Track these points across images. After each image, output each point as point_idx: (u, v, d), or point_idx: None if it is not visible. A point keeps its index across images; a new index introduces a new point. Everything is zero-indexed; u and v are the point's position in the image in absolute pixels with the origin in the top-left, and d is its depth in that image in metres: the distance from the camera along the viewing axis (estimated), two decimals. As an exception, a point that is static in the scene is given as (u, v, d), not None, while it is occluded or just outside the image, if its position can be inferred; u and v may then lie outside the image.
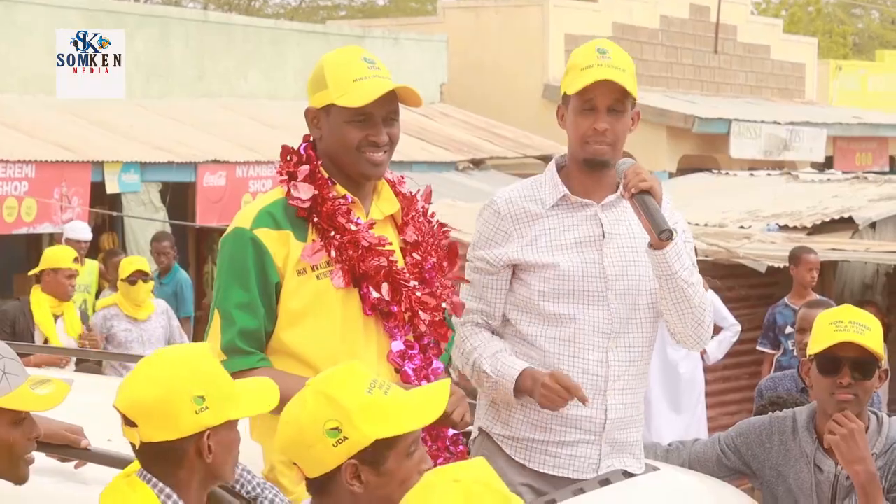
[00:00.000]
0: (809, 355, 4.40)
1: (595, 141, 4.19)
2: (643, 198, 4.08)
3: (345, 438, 2.92)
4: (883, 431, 4.42)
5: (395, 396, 3.00)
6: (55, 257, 9.81)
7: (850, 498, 4.36)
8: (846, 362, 4.31)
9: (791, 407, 4.73)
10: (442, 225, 4.07)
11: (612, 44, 4.29)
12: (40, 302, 9.51)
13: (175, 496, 3.06)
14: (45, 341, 9.33)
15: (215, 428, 3.06)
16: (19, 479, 3.28)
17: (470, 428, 4.37)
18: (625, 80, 4.17)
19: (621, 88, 4.18)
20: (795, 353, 7.81)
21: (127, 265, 10.21)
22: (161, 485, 3.07)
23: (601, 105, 4.18)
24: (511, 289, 4.33)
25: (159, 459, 3.07)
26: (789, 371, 7.65)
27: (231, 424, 3.11)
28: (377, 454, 2.94)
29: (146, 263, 10.41)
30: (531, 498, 4.20)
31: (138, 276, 10.01)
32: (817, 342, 4.34)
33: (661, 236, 4.06)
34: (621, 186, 4.17)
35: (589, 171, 4.27)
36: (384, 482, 2.95)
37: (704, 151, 23.44)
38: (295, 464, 3.02)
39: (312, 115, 3.90)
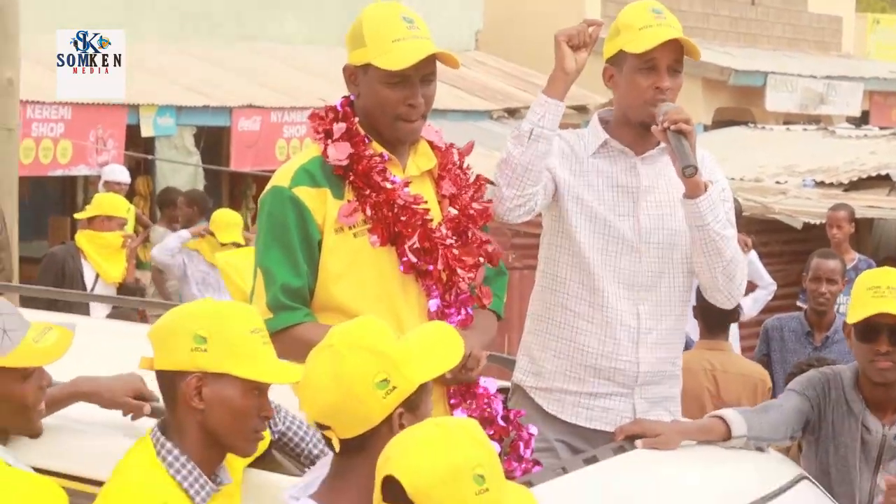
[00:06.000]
0: (848, 322, 4.36)
1: (656, 100, 4.17)
2: (678, 136, 4.06)
3: (394, 388, 2.97)
4: None
5: (414, 342, 3.06)
6: (111, 205, 9.83)
7: None
8: (884, 329, 4.26)
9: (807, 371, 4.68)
10: (479, 177, 4.06)
11: (660, 4, 4.27)
12: (91, 242, 9.57)
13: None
14: (97, 277, 9.45)
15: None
16: (34, 432, 3.28)
17: (507, 383, 4.38)
18: (685, 41, 4.18)
19: (679, 48, 4.18)
20: (806, 302, 7.95)
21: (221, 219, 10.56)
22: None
23: (662, 64, 4.19)
24: (548, 226, 4.32)
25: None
26: (796, 313, 7.85)
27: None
28: (417, 399, 3.00)
29: (239, 219, 10.71)
30: (567, 455, 4.19)
31: None
32: (856, 309, 4.29)
33: (685, 171, 4.03)
34: (660, 120, 4.11)
35: (641, 129, 4.24)
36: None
37: (739, 104, 23.31)
38: (327, 428, 3.01)
39: (350, 72, 3.89)
